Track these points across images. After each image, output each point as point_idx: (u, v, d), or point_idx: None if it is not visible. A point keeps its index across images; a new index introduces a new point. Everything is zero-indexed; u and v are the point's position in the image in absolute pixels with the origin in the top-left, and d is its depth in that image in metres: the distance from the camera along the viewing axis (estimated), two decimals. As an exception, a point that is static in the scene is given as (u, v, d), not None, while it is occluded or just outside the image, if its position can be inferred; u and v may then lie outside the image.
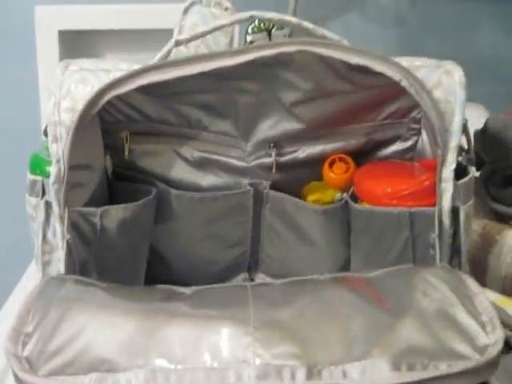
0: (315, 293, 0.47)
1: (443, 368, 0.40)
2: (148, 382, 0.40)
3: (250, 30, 0.92)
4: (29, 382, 0.40)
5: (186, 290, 0.51)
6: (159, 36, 0.97)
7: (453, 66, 0.54)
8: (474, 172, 0.55)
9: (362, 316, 0.44)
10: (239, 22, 0.52)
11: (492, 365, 0.41)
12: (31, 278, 0.79)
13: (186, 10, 0.61)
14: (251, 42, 0.92)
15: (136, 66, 0.55)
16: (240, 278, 0.68)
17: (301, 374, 0.40)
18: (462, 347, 0.41)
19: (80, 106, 0.52)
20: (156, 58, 0.56)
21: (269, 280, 0.67)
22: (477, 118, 0.93)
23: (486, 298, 0.45)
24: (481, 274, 0.67)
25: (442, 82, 0.53)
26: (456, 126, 0.52)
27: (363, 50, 0.51)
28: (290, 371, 0.40)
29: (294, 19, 0.52)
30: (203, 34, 0.53)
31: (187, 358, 0.41)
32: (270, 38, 0.92)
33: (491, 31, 1.06)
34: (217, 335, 0.42)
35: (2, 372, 0.57)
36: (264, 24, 0.92)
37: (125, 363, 0.41)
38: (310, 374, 0.40)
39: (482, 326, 0.43)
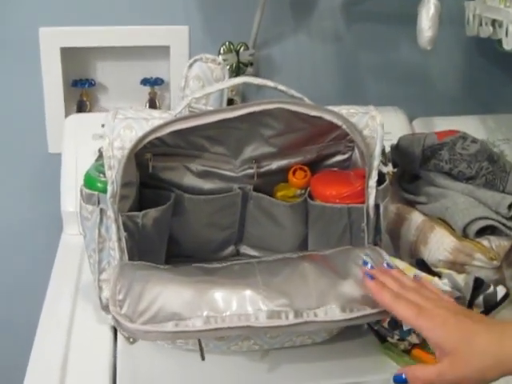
0: (292, 266, 0.71)
1: (368, 310, 0.66)
2: (205, 324, 0.64)
3: (221, 51, 1.14)
4: (132, 328, 0.63)
5: (214, 266, 0.73)
6: (145, 51, 1.17)
7: (375, 112, 0.79)
8: (388, 180, 0.80)
9: (322, 279, 0.68)
10: (236, 85, 0.76)
11: None
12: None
13: (190, 66, 0.81)
14: (224, 61, 1.13)
15: (164, 115, 0.77)
16: (229, 250, 0.90)
17: (291, 315, 0.65)
18: None
19: (127, 145, 0.73)
20: (179, 108, 0.75)
21: (250, 250, 0.91)
22: (395, 119, 1.19)
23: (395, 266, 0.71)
24: (396, 239, 0.93)
25: (368, 124, 0.78)
26: (377, 153, 0.77)
27: (318, 106, 0.74)
28: (285, 314, 0.65)
29: (272, 83, 0.75)
30: (211, 93, 0.77)
31: (225, 309, 0.65)
32: (238, 57, 1.14)
33: (408, 45, 1.21)
34: (241, 295, 0.66)
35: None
36: (233, 45, 1.14)
37: (189, 314, 0.64)
38: (296, 316, 0.65)
39: None
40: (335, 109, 0.77)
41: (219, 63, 0.83)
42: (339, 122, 0.75)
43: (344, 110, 0.79)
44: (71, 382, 0.72)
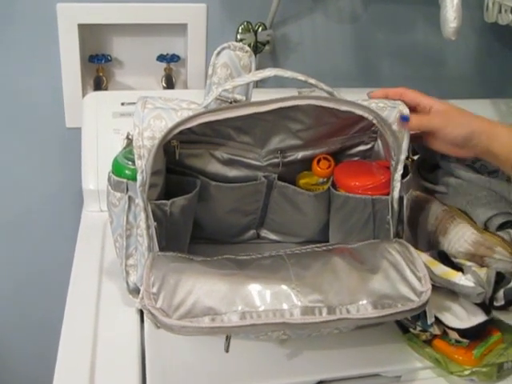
0: (323, 260, 0.71)
1: (399, 307, 0.66)
2: (241, 320, 0.63)
3: (240, 30, 1.13)
4: (168, 323, 0.63)
5: (245, 258, 0.72)
6: (162, 28, 1.16)
7: (403, 106, 0.79)
8: (411, 172, 0.80)
9: (353, 274, 0.68)
10: (265, 77, 0.76)
11: (425, 304, 0.67)
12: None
13: (217, 53, 0.81)
14: (241, 40, 1.13)
15: (192, 106, 0.77)
16: (250, 233, 0.93)
17: (324, 311, 0.65)
18: (409, 293, 0.67)
19: (157, 135, 0.73)
20: (209, 99, 0.76)
21: (270, 234, 0.94)
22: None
23: (422, 260, 0.71)
24: (414, 227, 0.93)
25: (397, 118, 0.79)
26: (405, 146, 0.78)
27: (347, 101, 0.73)
28: (319, 310, 0.65)
29: (303, 77, 0.74)
30: (240, 85, 0.77)
31: (261, 304, 0.64)
32: (256, 37, 1.13)
33: (424, 27, 1.22)
34: (276, 290, 0.65)
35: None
36: (251, 25, 1.13)
37: (224, 309, 0.63)
38: (329, 312, 0.65)
39: (419, 279, 0.68)
40: (364, 103, 0.77)
41: (247, 51, 0.82)
42: (370, 117, 0.75)
43: (373, 103, 0.79)
44: (101, 365, 0.73)
